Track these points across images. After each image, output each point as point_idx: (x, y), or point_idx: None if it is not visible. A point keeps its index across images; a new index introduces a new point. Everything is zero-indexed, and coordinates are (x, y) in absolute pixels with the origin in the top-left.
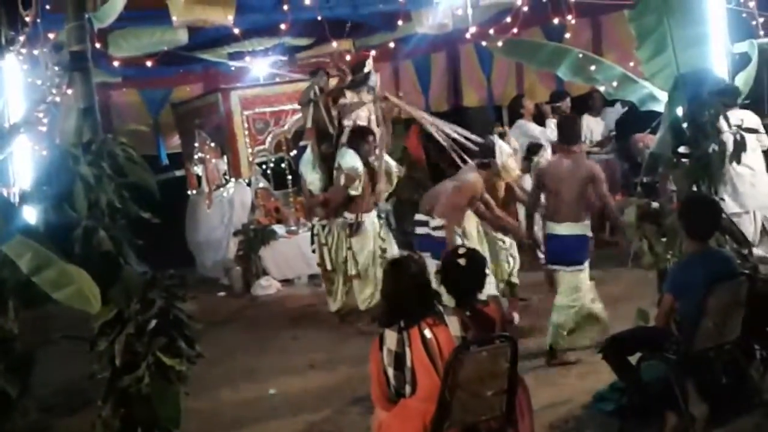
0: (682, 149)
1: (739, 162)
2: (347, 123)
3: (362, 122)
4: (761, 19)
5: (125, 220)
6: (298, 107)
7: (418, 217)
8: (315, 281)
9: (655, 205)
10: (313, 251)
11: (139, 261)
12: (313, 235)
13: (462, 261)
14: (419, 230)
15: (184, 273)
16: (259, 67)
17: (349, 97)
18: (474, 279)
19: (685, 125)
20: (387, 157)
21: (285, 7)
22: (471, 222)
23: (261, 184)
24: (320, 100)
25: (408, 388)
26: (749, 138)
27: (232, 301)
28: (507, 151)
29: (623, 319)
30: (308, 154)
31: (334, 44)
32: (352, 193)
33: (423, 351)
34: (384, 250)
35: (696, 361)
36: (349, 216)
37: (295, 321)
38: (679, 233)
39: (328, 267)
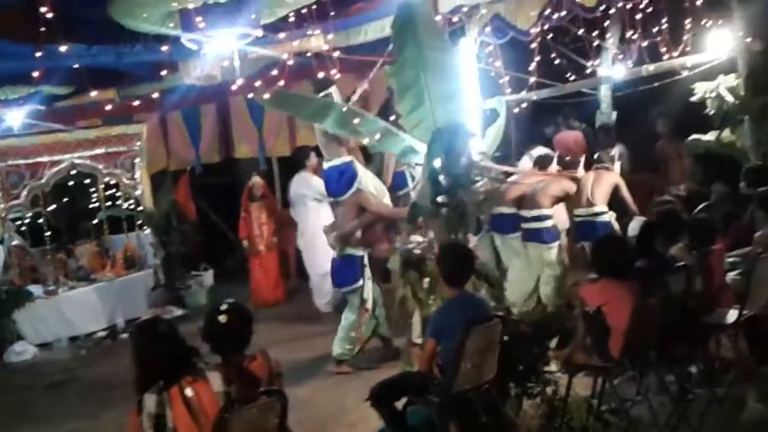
0: (440, 199)
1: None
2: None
3: None
4: (507, 78)
5: None
6: (57, 159)
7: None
8: (76, 343)
9: (417, 252)
10: None
11: None
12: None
13: (223, 318)
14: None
15: None
16: (13, 116)
17: None
18: (237, 335)
19: (442, 177)
20: None
21: (38, 54)
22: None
23: (15, 242)
24: None
25: None
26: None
27: None
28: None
29: None
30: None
31: (94, 93)
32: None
33: (185, 410)
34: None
35: (457, 402)
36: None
37: (54, 387)
38: (440, 279)
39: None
